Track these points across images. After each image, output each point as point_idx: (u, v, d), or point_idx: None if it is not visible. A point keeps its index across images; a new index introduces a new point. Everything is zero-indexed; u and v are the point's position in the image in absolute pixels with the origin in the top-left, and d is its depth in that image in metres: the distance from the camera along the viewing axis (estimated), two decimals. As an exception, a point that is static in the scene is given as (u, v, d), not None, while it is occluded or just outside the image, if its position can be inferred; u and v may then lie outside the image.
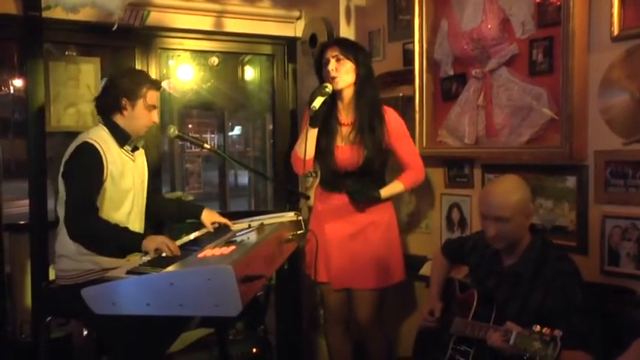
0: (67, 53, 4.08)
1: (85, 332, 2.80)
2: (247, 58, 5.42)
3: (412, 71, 3.48)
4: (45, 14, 3.43)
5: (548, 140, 2.82)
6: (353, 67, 3.12)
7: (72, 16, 3.29)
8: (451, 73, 3.33)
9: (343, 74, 3.10)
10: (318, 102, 3.01)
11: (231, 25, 4.14)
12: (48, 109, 3.66)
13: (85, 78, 3.84)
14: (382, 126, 3.16)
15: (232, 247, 2.43)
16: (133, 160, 2.96)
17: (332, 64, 3.10)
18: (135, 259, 2.64)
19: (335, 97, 3.17)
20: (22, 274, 3.78)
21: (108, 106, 2.92)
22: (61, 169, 2.82)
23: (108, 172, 2.79)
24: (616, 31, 2.56)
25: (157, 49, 4.03)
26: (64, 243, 2.79)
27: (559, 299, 2.30)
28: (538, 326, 2.05)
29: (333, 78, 3.09)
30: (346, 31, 3.94)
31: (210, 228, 3.11)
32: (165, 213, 3.29)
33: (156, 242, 2.63)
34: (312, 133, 3.14)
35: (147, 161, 3.14)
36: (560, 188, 2.85)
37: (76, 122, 3.80)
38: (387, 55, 3.83)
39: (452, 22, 3.29)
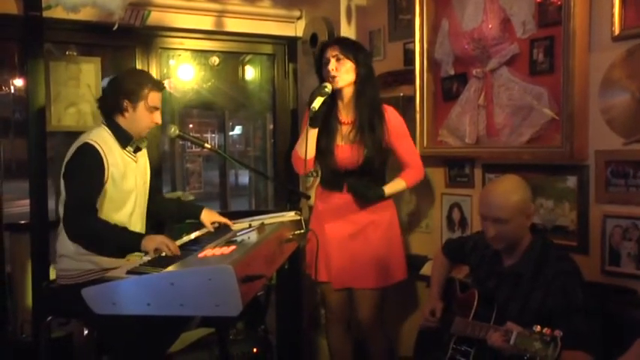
0: (67, 53, 4.09)
1: (86, 332, 2.80)
2: (248, 57, 5.42)
3: (413, 71, 3.48)
4: (45, 14, 3.43)
5: (548, 140, 2.82)
6: (353, 67, 3.12)
7: (72, 16, 3.29)
8: (452, 72, 3.33)
9: (343, 74, 3.11)
10: (317, 102, 3.01)
11: (232, 25, 4.14)
12: (48, 108, 3.66)
13: (85, 78, 3.84)
14: (382, 125, 3.17)
15: (233, 247, 2.43)
16: (135, 161, 2.95)
17: (332, 64, 3.10)
18: (135, 259, 2.64)
19: (335, 96, 3.17)
20: (23, 273, 3.78)
21: (110, 108, 2.91)
22: (62, 170, 2.82)
23: (109, 174, 2.78)
24: (617, 31, 2.55)
25: (158, 48, 4.03)
26: (64, 243, 2.79)
27: (559, 299, 2.30)
28: (538, 326, 2.04)
29: (333, 77, 3.10)
30: (347, 31, 3.93)
31: (211, 228, 3.10)
32: (165, 213, 3.29)
33: (155, 242, 2.63)
34: (313, 133, 3.14)
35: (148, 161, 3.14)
36: (561, 188, 2.85)
37: (77, 122, 3.81)
38: (387, 54, 3.83)
39: (452, 22, 3.29)
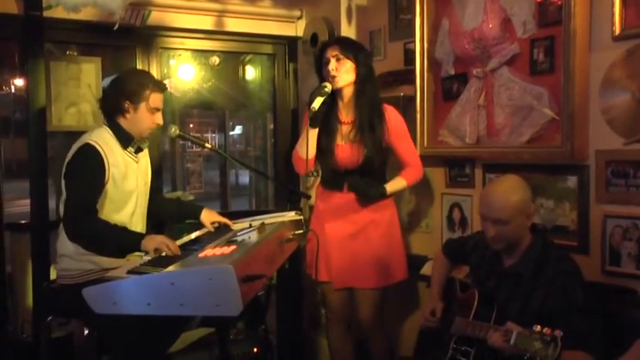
0: (68, 53, 4.08)
1: (86, 332, 2.80)
2: (248, 57, 5.42)
3: (413, 71, 3.48)
4: (46, 14, 3.43)
5: (549, 140, 2.82)
6: (353, 67, 3.12)
7: (73, 16, 3.28)
8: (452, 72, 3.33)
9: (343, 73, 3.11)
10: (317, 102, 3.02)
11: (232, 25, 4.14)
12: (49, 108, 3.66)
13: (86, 78, 3.84)
14: (382, 125, 3.17)
15: (233, 247, 2.43)
16: (137, 162, 2.95)
17: (332, 64, 3.10)
18: (135, 259, 2.64)
19: (335, 95, 3.17)
20: (23, 273, 3.78)
21: (111, 108, 2.90)
22: (63, 170, 2.81)
23: (110, 175, 2.78)
24: (617, 31, 2.56)
25: (158, 48, 4.03)
26: (64, 243, 2.79)
27: (560, 299, 2.30)
28: (539, 326, 2.04)
29: (333, 77, 3.10)
30: (347, 31, 3.93)
31: (211, 228, 3.10)
32: (165, 213, 3.28)
33: (155, 242, 2.62)
34: (313, 133, 3.14)
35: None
36: (561, 188, 2.85)
37: (77, 122, 3.81)
38: (388, 54, 3.83)
39: (453, 22, 3.29)
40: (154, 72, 3.90)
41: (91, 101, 3.81)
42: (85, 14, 3.37)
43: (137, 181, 2.93)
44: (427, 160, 3.42)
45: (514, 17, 2.95)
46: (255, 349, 3.85)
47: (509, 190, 2.43)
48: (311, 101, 3.02)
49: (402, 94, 3.65)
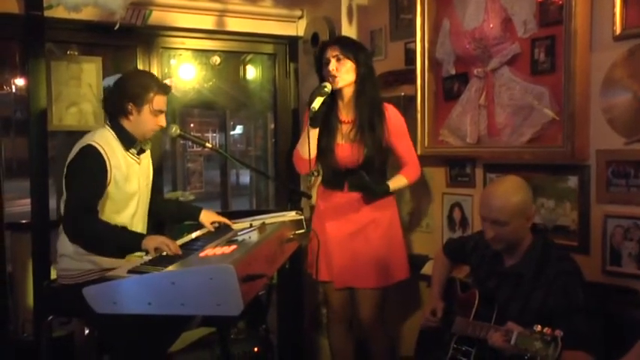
0: (68, 52, 4.08)
1: (87, 331, 2.80)
2: (249, 57, 5.42)
3: (414, 70, 3.47)
4: (47, 13, 3.43)
5: (549, 140, 2.82)
6: (353, 67, 3.12)
7: (74, 16, 3.28)
8: (453, 72, 3.33)
9: (343, 73, 3.11)
10: (317, 102, 3.02)
11: (233, 25, 4.14)
12: (50, 108, 3.66)
13: (86, 77, 3.84)
14: (382, 124, 3.17)
15: (234, 247, 2.43)
16: (139, 163, 2.94)
17: (332, 64, 3.10)
18: (135, 260, 2.64)
19: (335, 95, 3.18)
20: (24, 273, 3.78)
21: (114, 110, 2.89)
22: (64, 171, 2.81)
23: (111, 176, 2.77)
24: (618, 31, 2.55)
25: (159, 48, 4.03)
26: (64, 243, 2.79)
27: (560, 299, 2.30)
28: (539, 326, 2.04)
29: (334, 77, 3.10)
30: (348, 30, 3.93)
31: (211, 228, 3.10)
32: (165, 213, 3.28)
33: (156, 241, 2.62)
34: (313, 133, 3.14)
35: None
36: (562, 188, 2.85)
37: (78, 121, 3.80)
38: (388, 54, 3.83)
39: (454, 22, 3.29)
40: (155, 72, 3.89)
41: (91, 101, 3.81)
42: (86, 14, 3.37)
43: (139, 182, 2.93)
44: (428, 159, 3.42)
45: (515, 17, 2.95)
46: (255, 349, 3.85)
47: (510, 191, 2.43)
48: (311, 101, 3.02)
49: (402, 93, 3.64)
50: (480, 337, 2.38)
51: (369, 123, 3.15)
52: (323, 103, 3.05)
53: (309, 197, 3.47)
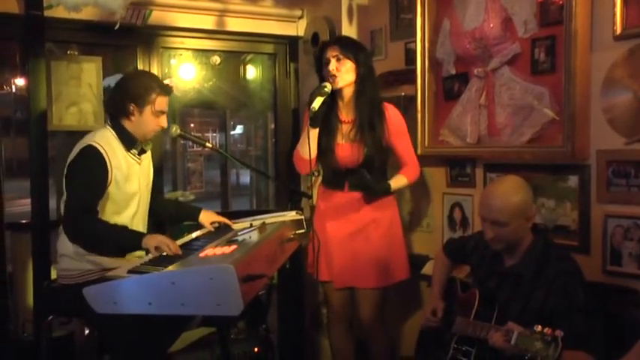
0: (68, 52, 4.08)
1: (87, 331, 2.80)
2: (249, 57, 5.41)
3: (414, 70, 3.47)
4: (47, 13, 3.43)
5: (550, 140, 2.82)
6: (353, 67, 3.12)
7: (74, 15, 3.28)
8: (453, 72, 3.33)
9: (343, 73, 3.11)
10: (317, 102, 3.02)
11: (233, 24, 4.14)
12: (50, 108, 3.66)
13: (87, 77, 3.84)
14: (382, 124, 3.17)
15: (234, 247, 2.43)
16: (139, 164, 2.94)
17: (332, 64, 3.10)
18: (135, 260, 2.64)
19: (335, 95, 3.18)
20: (24, 273, 3.78)
21: (115, 110, 2.89)
22: (65, 171, 2.81)
23: (112, 177, 2.77)
24: (618, 30, 2.55)
25: (159, 48, 4.03)
26: (64, 243, 2.79)
27: (561, 299, 2.30)
28: (539, 326, 2.04)
29: (334, 77, 3.10)
30: (348, 30, 3.93)
31: (211, 228, 3.10)
32: (165, 213, 3.28)
33: (157, 240, 2.61)
34: (313, 133, 3.14)
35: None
36: (562, 188, 2.85)
37: (78, 121, 3.80)
38: (389, 54, 3.83)
39: (454, 22, 3.29)
40: (155, 71, 3.89)
41: (91, 101, 3.80)
42: (86, 14, 3.37)
43: (139, 182, 2.93)
44: (428, 159, 3.42)
45: (515, 17, 2.95)
46: (256, 349, 3.85)
47: (510, 191, 2.43)
48: (311, 101, 3.02)
49: (403, 93, 3.64)
50: (480, 337, 2.38)
51: (369, 123, 3.15)
52: (323, 103, 3.05)
53: (310, 197, 3.47)
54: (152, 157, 3.12)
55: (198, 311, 2.48)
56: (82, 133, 2.92)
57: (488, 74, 3.11)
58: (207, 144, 3.13)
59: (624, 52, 2.55)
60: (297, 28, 4.35)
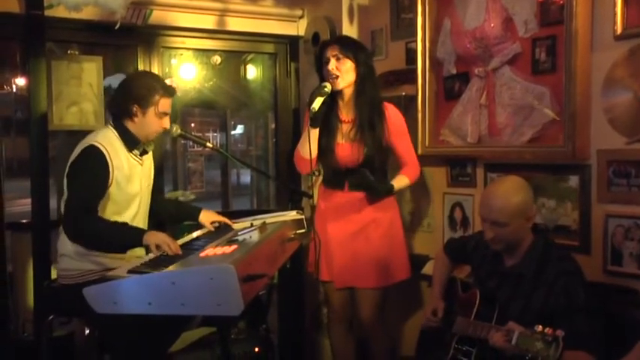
0: (69, 52, 4.08)
1: (87, 331, 2.80)
2: (250, 56, 5.41)
3: (415, 70, 3.47)
4: (47, 13, 3.43)
5: (550, 139, 2.82)
6: (353, 66, 3.12)
7: (74, 15, 3.28)
8: (454, 71, 3.33)
9: (344, 74, 3.10)
10: (317, 103, 3.01)
11: (234, 24, 4.14)
12: (50, 107, 3.65)
13: (87, 77, 3.84)
14: (382, 124, 3.17)
15: (234, 246, 2.43)
16: (141, 164, 2.94)
17: (332, 63, 3.10)
18: (135, 260, 2.63)
19: (335, 94, 3.17)
20: (24, 272, 3.78)
21: (118, 111, 2.88)
22: (66, 170, 2.81)
23: (113, 178, 2.77)
24: (619, 30, 2.55)
25: (160, 47, 4.03)
26: (65, 242, 2.78)
27: (561, 299, 2.29)
28: (540, 326, 2.04)
29: (335, 77, 3.09)
30: (349, 30, 3.93)
31: (211, 228, 3.10)
32: (165, 213, 3.27)
33: (157, 238, 2.60)
34: (314, 133, 3.14)
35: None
36: (563, 187, 2.85)
37: (79, 121, 3.80)
38: (389, 53, 3.83)
39: (455, 21, 3.29)
40: (156, 71, 3.89)
41: (92, 100, 3.80)
42: (87, 13, 3.37)
43: (141, 183, 2.92)
44: (429, 159, 3.42)
45: (516, 16, 2.95)
46: (256, 349, 3.85)
47: (510, 192, 2.42)
48: (311, 102, 3.02)
49: (403, 93, 3.64)
50: (480, 337, 2.38)
51: (369, 122, 3.15)
52: (323, 103, 3.05)
53: (310, 197, 3.47)
54: (153, 157, 3.12)
55: (198, 311, 2.47)
56: (82, 133, 2.92)
57: (489, 74, 3.11)
58: (208, 144, 3.13)
59: (625, 52, 2.55)
60: (298, 28, 4.35)
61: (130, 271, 2.35)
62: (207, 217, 3.12)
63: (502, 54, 3.02)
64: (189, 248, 2.70)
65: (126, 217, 2.85)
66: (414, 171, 3.28)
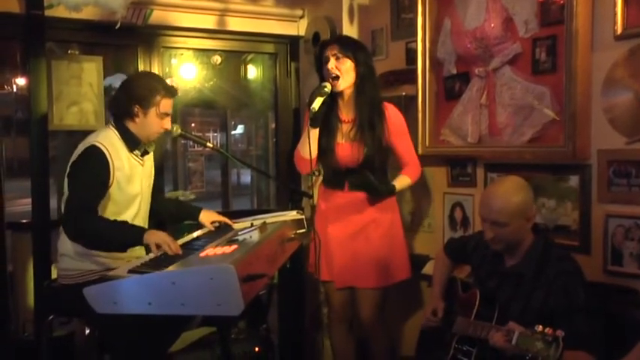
0: (69, 52, 4.08)
1: (87, 331, 2.80)
2: (250, 56, 5.42)
3: (415, 70, 3.47)
4: (47, 13, 3.43)
5: (551, 139, 2.82)
6: (352, 66, 3.12)
7: (74, 15, 3.28)
8: (454, 71, 3.33)
9: (344, 73, 3.10)
10: (317, 103, 3.01)
11: (234, 24, 4.14)
12: (50, 107, 3.65)
13: (87, 76, 3.84)
14: (382, 123, 3.17)
15: (234, 246, 2.43)
16: (142, 165, 2.94)
17: (331, 63, 3.10)
18: (135, 260, 2.63)
19: (335, 94, 3.17)
20: (25, 272, 3.78)
21: (120, 111, 2.88)
22: (67, 170, 2.80)
23: (114, 178, 2.76)
24: (619, 30, 2.55)
25: (160, 47, 4.03)
26: (65, 242, 2.78)
27: (561, 299, 2.29)
28: (540, 326, 2.04)
29: (335, 77, 3.09)
30: (349, 30, 3.93)
31: (211, 227, 3.10)
32: (165, 213, 3.27)
33: (158, 237, 2.59)
34: (314, 133, 3.14)
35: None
36: (563, 187, 2.85)
37: (79, 121, 3.80)
38: (389, 53, 3.83)
39: (455, 21, 3.29)
40: (156, 71, 3.89)
41: (92, 100, 3.80)
42: (87, 13, 3.37)
43: (142, 184, 2.92)
44: (429, 159, 3.42)
45: (516, 16, 2.95)
46: (256, 349, 3.85)
47: (510, 192, 2.42)
48: (311, 102, 3.02)
49: (403, 93, 3.64)
50: (481, 337, 2.38)
51: (369, 122, 3.14)
52: (323, 103, 3.04)
53: (310, 197, 3.47)
54: (153, 156, 3.12)
55: (198, 311, 2.47)
56: (82, 133, 2.92)
57: (489, 74, 3.11)
58: (208, 144, 3.13)
59: (625, 52, 2.55)
60: (298, 28, 4.35)
61: (130, 271, 2.35)
62: (208, 217, 3.12)
63: (502, 54, 3.02)
64: (189, 248, 2.69)
65: (126, 218, 2.85)
66: (415, 171, 3.28)
